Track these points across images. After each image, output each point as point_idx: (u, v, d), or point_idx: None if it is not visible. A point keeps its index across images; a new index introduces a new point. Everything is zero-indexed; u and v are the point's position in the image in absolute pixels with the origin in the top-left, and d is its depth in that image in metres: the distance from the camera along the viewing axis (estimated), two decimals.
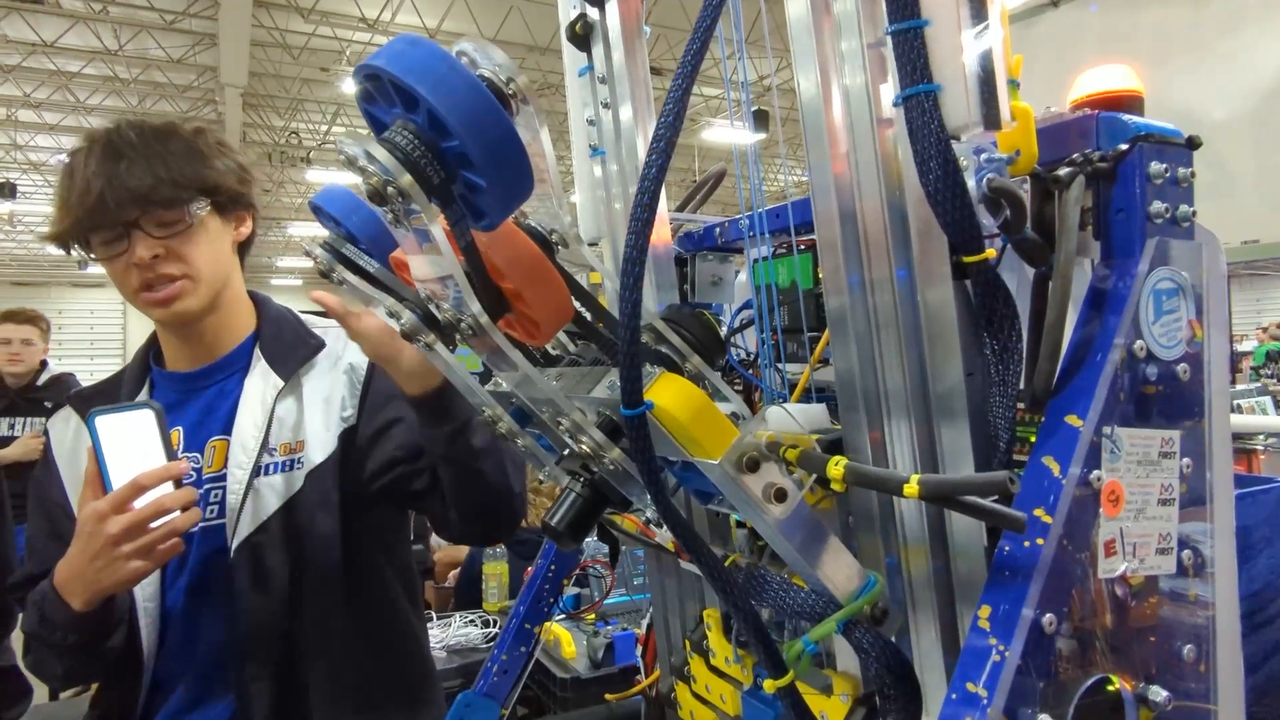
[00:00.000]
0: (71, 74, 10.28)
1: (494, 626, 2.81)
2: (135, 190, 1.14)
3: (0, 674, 1.43)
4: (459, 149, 0.54)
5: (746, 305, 1.16)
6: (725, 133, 9.98)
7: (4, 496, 1.45)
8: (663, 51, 8.66)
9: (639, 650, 1.56)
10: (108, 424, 1.07)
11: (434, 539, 4.66)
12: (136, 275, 1.17)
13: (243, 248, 1.34)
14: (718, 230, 1.18)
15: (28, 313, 4.17)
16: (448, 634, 2.75)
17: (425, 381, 1.09)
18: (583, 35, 1.10)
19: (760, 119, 7.30)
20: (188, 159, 1.20)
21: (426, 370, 1.08)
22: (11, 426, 4.01)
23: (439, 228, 0.58)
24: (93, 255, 1.20)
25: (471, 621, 2.84)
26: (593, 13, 1.08)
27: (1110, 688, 0.61)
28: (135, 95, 10.99)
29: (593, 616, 2.60)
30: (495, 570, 3.05)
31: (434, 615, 2.88)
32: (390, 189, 0.54)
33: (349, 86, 10.06)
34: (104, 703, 1.26)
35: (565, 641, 2.51)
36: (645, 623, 1.31)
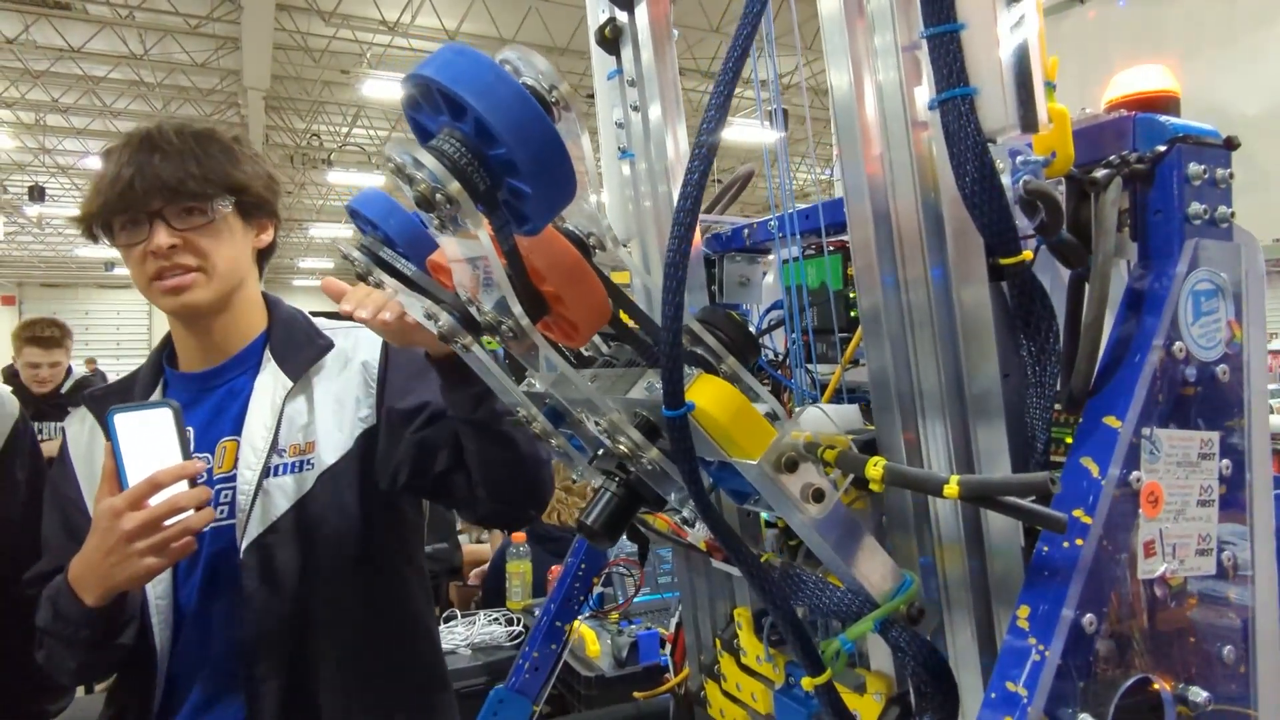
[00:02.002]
0: (98, 79, 10.45)
1: (517, 625, 2.83)
2: (164, 181, 1.17)
3: (43, 669, 1.46)
4: (506, 156, 0.55)
5: (775, 306, 1.16)
6: (745, 132, 9.96)
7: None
8: (681, 51, 8.64)
9: (666, 649, 1.56)
10: (126, 421, 1.08)
11: (461, 538, 4.69)
12: (152, 264, 1.19)
13: (263, 256, 1.36)
14: (746, 231, 1.18)
15: (53, 334, 4.06)
16: (472, 632, 2.78)
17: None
18: (612, 39, 1.11)
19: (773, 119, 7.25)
20: (220, 159, 1.23)
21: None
22: (39, 431, 4.06)
23: (485, 233, 0.59)
24: (114, 243, 1.23)
25: (495, 620, 2.86)
26: (622, 16, 1.09)
27: (1150, 688, 0.61)
28: (160, 99, 11.15)
29: (616, 616, 2.61)
30: (519, 569, 3.07)
31: (458, 614, 2.91)
32: (439, 195, 0.55)
33: (369, 89, 10.15)
34: (118, 701, 1.28)
35: (590, 640, 2.53)
36: (674, 621, 1.32)
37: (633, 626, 2.57)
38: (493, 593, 3.36)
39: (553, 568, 2.90)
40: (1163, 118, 0.68)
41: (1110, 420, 0.63)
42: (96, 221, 1.22)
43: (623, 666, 2.42)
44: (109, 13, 8.92)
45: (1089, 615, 0.58)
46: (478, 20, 9.00)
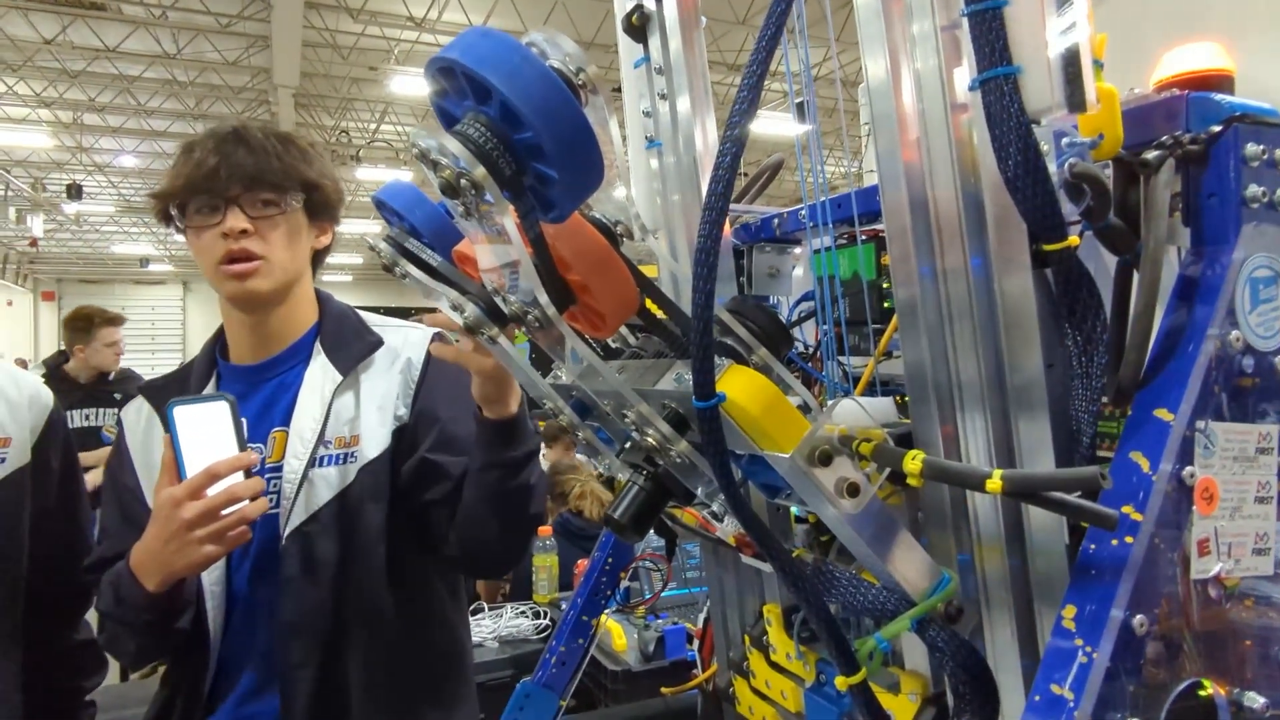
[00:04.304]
0: (133, 78, 10.62)
1: (544, 618, 2.83)
2: (246, 170, 1.24)
3: (81, 646, 1.52)
4: (532, 140, 0.54)
5: (806, 297, 1.14)
6: (771, 124, 9.88)
7: (81, 487, 1.52)
8: (708, 44, 8.59)
9: (694, 645, 1.55)
10: (185, 414, 1.13)
11: None
12: (221, 246, 1.24)
13: (318, 257, 1.41)
14: (776, 221, 1.16)
15: (117, 314, 4.44)
16: (499, 625, 2.79)
17: (511, 406, 1.14)
18: (639, 26, 1.10)
19: (803, 109, 7.20)
20: (298, 159, 1.30)
21: (514, 396, 1.14)
22: (86, 417, 4.23)
23: (510, 220, 0.58)
24: (184, 224, 1.28)
25: (522, 613, 2.87)
26: (649, 4, 1.08)
27: (1203, 693, 0.58)
28: (193, 97, 11.31)
29: (643, 610, 2.60)
30: (545, 562, 3.07)
31: (485, 606, 2.92)
32: (464, 181, 0.54)
33: (397, 85, 10.21)
34: (172, 681, 1.31)
35: (616, 634, 2.52)
36: (702, 617, 1.31)
37: (660, 621, 2.56)
38: (520, 586, 3.37)
39: (579, 562, 2.89)
40: (1218, 96, 0.65)
41: (1162, 413, 0.60)
42: (174, 200, 1.27)
43: (650, 661, 2.41)
44: (142, 12, 9.07)
45: (1140, 616, 0.55)
46: (504, 15, 9.02)
